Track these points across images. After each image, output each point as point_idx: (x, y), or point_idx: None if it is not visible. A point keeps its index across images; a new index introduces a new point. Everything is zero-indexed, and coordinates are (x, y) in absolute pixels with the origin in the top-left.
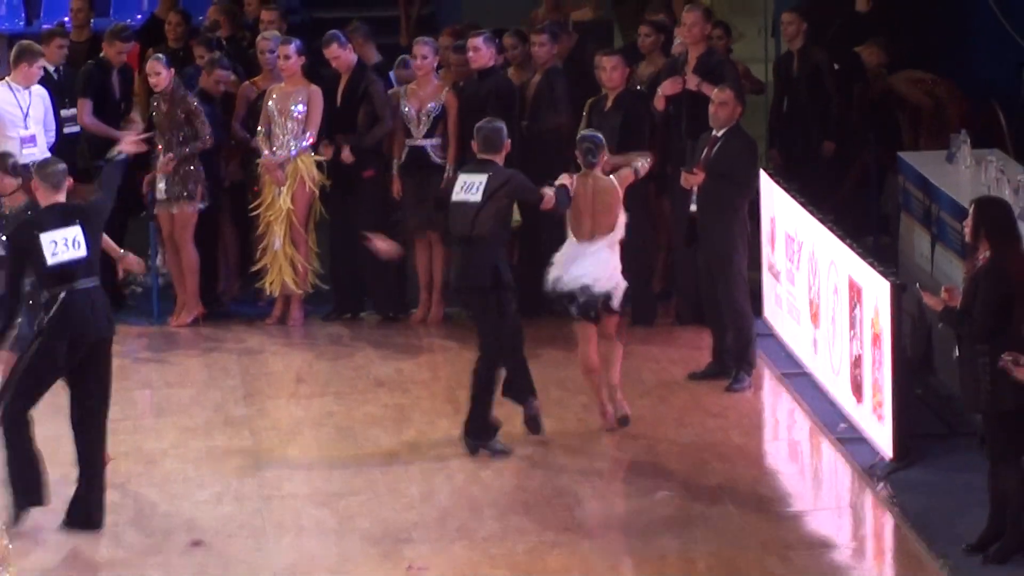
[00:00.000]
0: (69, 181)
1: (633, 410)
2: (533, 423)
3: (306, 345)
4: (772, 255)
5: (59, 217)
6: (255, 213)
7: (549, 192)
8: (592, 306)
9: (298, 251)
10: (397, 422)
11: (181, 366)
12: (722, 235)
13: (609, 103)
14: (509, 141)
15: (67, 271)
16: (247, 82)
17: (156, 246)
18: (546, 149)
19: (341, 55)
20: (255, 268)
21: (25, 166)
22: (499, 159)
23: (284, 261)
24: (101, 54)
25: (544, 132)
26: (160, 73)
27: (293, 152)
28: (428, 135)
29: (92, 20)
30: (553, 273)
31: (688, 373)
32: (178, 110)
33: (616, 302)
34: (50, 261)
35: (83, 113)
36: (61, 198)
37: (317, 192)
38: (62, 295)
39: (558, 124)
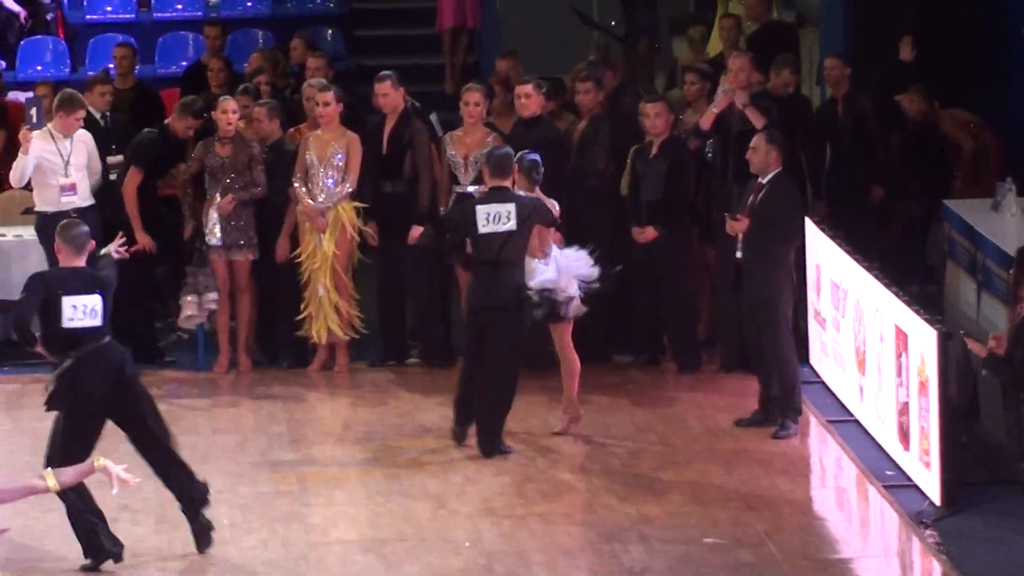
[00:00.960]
0: (91, 244)
1: (679, 457)
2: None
3: (351, 392)
4: (818, 302)
5: (83, 283)
6: (297, 261)
7: (557, 209)
8: (552, 315)
9: (341, 297)
10: (444, 468)
11: (227, 413)
12: (767, 282)
13: (654, 150)
14: (516, 167)
15: (77, 337)
16: (292, 130)
17: (202, 289)
18: (591, 195)
19: (391, 95)
20: (300, 316)
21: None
22: (509, 183)
23: (329, 308)
24: (166, 121)
25: (588, 178)
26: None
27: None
28: (475, 182)
29: (137, 67)
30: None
31: (734, 420)
32: (242, 155)
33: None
34: (66, 324)
35: (130, 183)
36: (82, 262)
37: (358, 239)
38: (68, 362)
39: (601, 170)
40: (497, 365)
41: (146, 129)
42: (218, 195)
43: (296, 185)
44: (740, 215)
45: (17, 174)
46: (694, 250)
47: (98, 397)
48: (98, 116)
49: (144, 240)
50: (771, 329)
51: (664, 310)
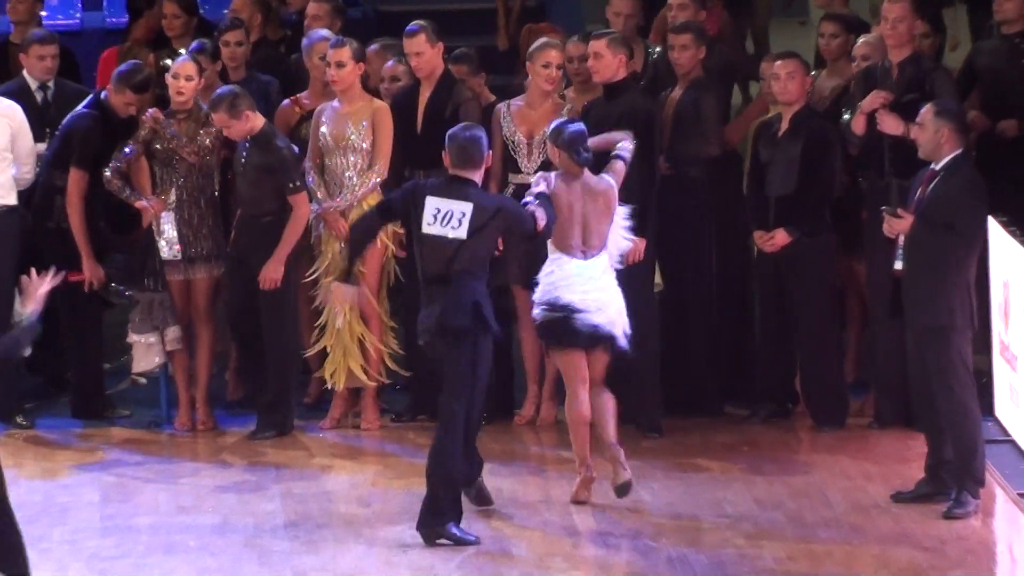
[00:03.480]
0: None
1: (817, 543)
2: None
3: (371, 456)
4: (1006, 333)
5: None
6: (311, 278)
7: (540, 214)
8: (598, 340)
9: (369, 328)
10: (496, 561)
11: (199, 485)
12: (937, 305)
13: (784, 126)
14: (491, 154)
15: None
16: (288, 101)
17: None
18: (692, 188)
19: (427, 54)
20: (310, 352)
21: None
22: (477, 176)
23: (351, 343)
24: (102, 95)
25: (689, 166)
26: (192, 79)
27: (357, 193)
28: (541, 170)
29: (38, 12)
30: (554, 294)
31: (892, 493)
32: (204, 138)
33: (622, 341)
34: None
35: (74, 190)
36: None
37: (392, 248)
38: None
39: (707, 155)
40: (445, 397)
41: (79, 110)
42: (173, 191)
43: (310, 178)
44: (901, 210)
45: None
46: (838, 263)
47: None
48: (35, 87)
49: (92, 271)
50: (942, 369)
51: (796, 344)
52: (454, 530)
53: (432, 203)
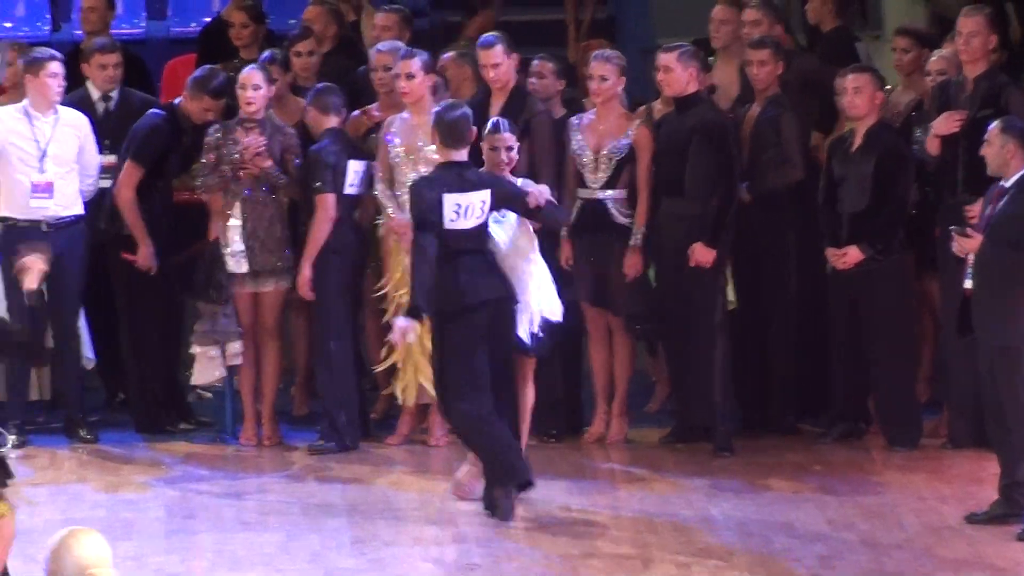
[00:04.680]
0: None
1: (889, 565)
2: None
3: (439, 472)
4: None
5: None
6: (379, 293)
7: (533, 189)
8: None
9: None
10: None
11: (264, 501)
12: (1007, 324)
13: (857, 141)
14: (475, 130)
15: None
16: (358, 112)
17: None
18: (772, 204)
19: (504, 65)
20: (379, 367)
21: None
22: (465, 154)
23: (421, 358)
24: (177, 100)
25: (769, 189)
26: (259, 88)
27: None
28: (609, 185)
29: (110, 22)
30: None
31: (966, 515)
32: (273, 145)
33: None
34: None
35: (126, 182)
36: None
37: None
38: None
39: (790, 180)
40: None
41: (150, 111)
42: (237, 205)
43: (379, 189)
44: (971, 230)
45: None
46: (909, 281)
47: None
48: (96, 97)
49: (145, 257)
50: (1013, 388)
51: (870, 362)
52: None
53: (451, 200)
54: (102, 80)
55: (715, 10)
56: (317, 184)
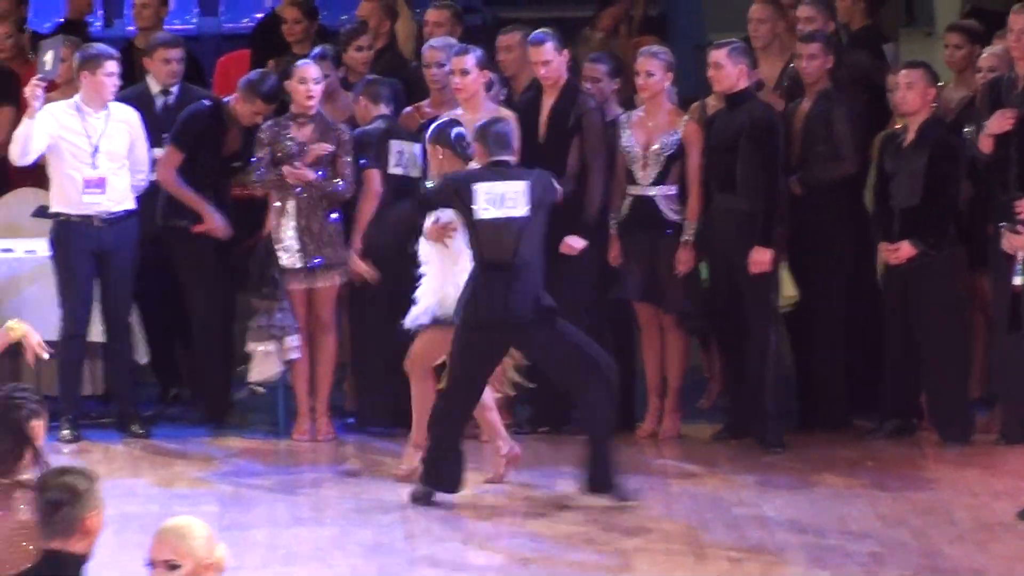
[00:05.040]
0: None
1: (942, 561)
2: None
3: (491, 467)
4: None
5: None
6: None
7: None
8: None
9: None
10: (618, 574)
11: (317, 496)
12: None
13: (910, 136)
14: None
15: None
16: (410, 109)
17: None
18: (823, 208)
19: (554, 61)
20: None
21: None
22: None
23: None
24: (229, 100)
25: (821, 185)
26: (319, 82)
27: None
28: (658, 181)
29: (163, 17)
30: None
31: (1018, 511)
32: (327, 141)
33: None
34: None
35: (165, 163)
36: None
37: None
38: None
39: (841, 174)
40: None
41: (202, 101)
42: (291, 201)
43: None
44: (1021, 227)
45: (18, 147)
46: (965, 277)
47: None
48: (156, 91)
49: (211, 220)
50: None
51: (922, 358)
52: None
53: (482, 188)
54: (165, 75)
55: (752, 9)
56: (362, 161)
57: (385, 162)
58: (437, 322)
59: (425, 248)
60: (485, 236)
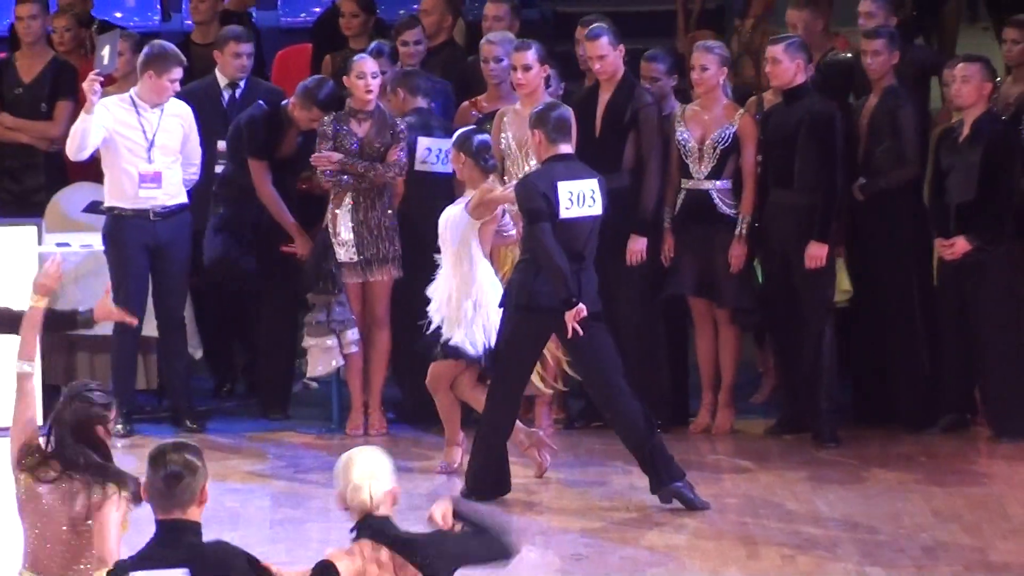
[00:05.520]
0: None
1: (994, 555)
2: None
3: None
4: None
5: None
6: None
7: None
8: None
9: None
10: (670, 570)
11: None
12: None
13: (965, 131)
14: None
15: None
16: (466, 103)
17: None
18: (887, 210)
19: (609, 56)
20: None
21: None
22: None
23: None
24: (286, 102)
25: (887, 191)
26: (377, 76)
27: None
28: (713, 175)
29: (219, 12)
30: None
31: None
32: (384, 135)
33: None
34: None
35: (257, 178)
36: None
37: None
38: None
39: (905, 178)
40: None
41: (257, 103)
42: (348, 195)
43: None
44: None
45: (75, 142)
46: (1021, 272)
47: None
48: (224, 84)
49: (303, 246)
50: None
51: (977, 354)
52: (685, 490)
53: (564, 188)
54: (234, 68)
55: (788, 13)
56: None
57: (412, 157)
58: (447, 354)
59: (445, 259)
60: (562, 233)
